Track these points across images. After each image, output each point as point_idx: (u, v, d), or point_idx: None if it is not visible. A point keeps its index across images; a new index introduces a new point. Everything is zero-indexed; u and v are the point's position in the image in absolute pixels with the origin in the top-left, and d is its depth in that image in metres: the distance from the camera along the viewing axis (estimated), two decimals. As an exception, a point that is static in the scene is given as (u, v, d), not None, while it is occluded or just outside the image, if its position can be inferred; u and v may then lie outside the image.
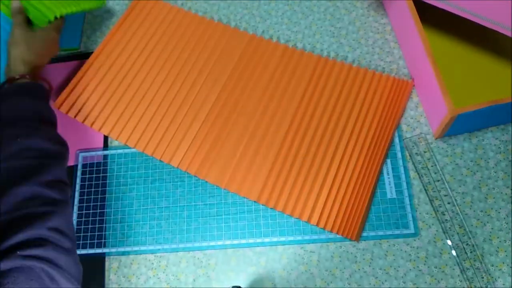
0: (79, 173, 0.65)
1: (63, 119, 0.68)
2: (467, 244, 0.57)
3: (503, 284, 0.55)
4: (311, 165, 0.61)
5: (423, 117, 0.65)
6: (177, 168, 0.63)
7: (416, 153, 0.62)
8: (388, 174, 0.61)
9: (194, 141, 0.64)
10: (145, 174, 0.64)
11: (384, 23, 0.72)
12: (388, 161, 0.62)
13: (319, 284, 0.57)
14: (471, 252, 0.56)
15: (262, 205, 0.61)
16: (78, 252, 0.60)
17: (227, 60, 0.69)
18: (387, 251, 0.58)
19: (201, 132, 0.65)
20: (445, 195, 0.60)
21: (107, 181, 0.64)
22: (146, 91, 0.68)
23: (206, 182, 0.63)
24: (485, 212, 0.59)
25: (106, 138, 0.67)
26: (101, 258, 0.60)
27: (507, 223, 0.58)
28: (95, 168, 0.65)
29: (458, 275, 0.56)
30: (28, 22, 0.62)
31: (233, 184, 0.61)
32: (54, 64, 0.73)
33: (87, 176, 0.65)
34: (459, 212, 0.58)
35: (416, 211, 0.59)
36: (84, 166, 0.66)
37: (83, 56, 0.74)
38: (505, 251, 0.56)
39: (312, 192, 0.59)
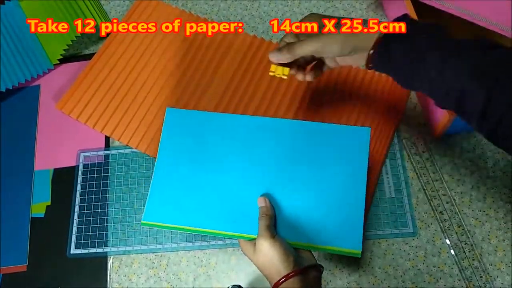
0: (80, 173, 0.66)
1: (64, 119, 0.69)
2: (465, 243, 0.57)
3: (502, 284, 0.55)
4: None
5: (422, 117, 0.65)
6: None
7: (415, 153, 0.62)
8: (387, 174, 0.62)
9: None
10: (146, 174, 0.65)
11: (384, 24, 0.73)
12: (387, 161, 0.62)
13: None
14: (469, 251, 0.57)
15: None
16: (79, 251, 0.61)
17: (229, 62, 0.70)
18: (386, 250, 0.58)
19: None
20: (444, 195, 0.60)
21: (108, 181, 0.65)
22: (148, 92, 0.69)
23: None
24: (484, 211, 0.59)
25: (107, 138, 0.68)
26: (103, 257, 0.61)
27: (505, 222, 0.58)
28: (96, 168, 0.66)
29: (457, 274, 0.56)
30: None
31: None
32: (56, 65, 0.73)
33: (88, 176, 0.65)
34: (457, 211, 0.59)
35: (415, 210, 0.60)
36: (85, 166, 0.66)
37: (86, 57, 0.74)
38: (504, 250, 0.57)
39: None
